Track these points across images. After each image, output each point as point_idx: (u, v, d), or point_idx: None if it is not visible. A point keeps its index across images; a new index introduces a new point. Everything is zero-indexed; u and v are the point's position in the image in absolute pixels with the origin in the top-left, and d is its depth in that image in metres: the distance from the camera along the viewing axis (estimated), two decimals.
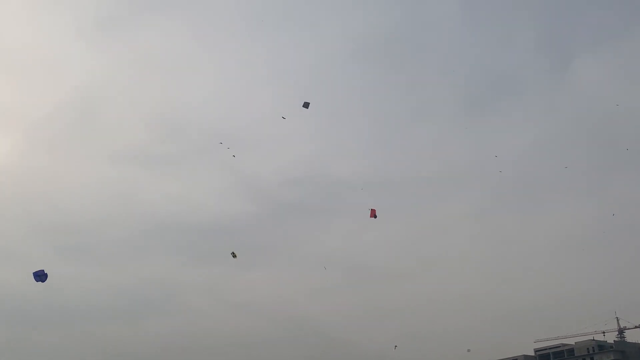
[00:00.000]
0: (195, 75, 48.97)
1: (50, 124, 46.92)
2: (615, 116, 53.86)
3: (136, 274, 43.61)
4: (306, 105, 21.91)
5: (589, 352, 39.54)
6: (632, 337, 41.29)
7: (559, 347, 41.62)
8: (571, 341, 41.62)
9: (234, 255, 27.15)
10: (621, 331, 41.46)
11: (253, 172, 49.78)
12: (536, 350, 42.30)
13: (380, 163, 52.07)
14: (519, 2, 55.21)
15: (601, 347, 39.71)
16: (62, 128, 47.05)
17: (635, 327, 40.80)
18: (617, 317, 41.69)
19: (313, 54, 51.48)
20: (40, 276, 21.03)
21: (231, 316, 50.02)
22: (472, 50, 54.07)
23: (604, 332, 41.43)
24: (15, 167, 45.48)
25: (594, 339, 40.80)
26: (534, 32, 55.74)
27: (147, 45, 47.42)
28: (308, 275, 48.75)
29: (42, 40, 45.81)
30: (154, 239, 46.55)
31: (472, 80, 54.07)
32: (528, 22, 54.17)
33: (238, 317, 49.81)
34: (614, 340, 41.10)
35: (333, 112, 52.57)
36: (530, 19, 53.92)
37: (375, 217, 23.11)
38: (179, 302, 45.84)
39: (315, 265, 49.09)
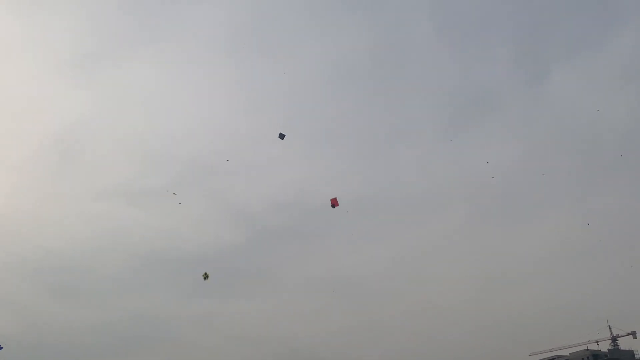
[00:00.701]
0: (176, 107, 49.12)
1: (34, 165, 46.73)
2: (595, 124, 54.82)
3: (125, 310, 43.21)
4: (282, 136, 22.17)
5: None
6: (625, 344, 41.64)
7: (554, 358, 41.83)
8: (565, 352, 41.94)
9: (206, 277, 26.86)
10: (614, 339, 41.66)
11: (239, 200, 49.83)
12: None
13: (365, 184, 52.37)
14: (492, 18, 56.28)
15: (596, 356, 39.91)
16: (46, 168, 46.84)
17: (628, 334, 41.14)
18: (609, 326, 41.96)
19: (293, 78, 51.96)
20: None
21: (224, 347, 49.64)
22: (450, 69, 54.90)
23: (597, 342, 41.68)
24: (1, 209, 45.10)
25: (587, 349, 41.03)
26: (509, 46, 56.74)
27: (127, 81, 47.53)
28: (298, 300, 48.66)
29: (23, 80, 45.89)
30: (142, 274, 46.28)
31: (453, 98, 54.84)
32: (503, 37, 55.20)
33: (230, 347, 49.45)
34: (608, 349, 41.31)
35: (316, 135, 52.97)
36: (504, 33, 54.93)
37: (335, 205, 23.03)
38: (170, 337, 45.47)
39: (305, 289, 49.09)
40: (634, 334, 41.64)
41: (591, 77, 56.80)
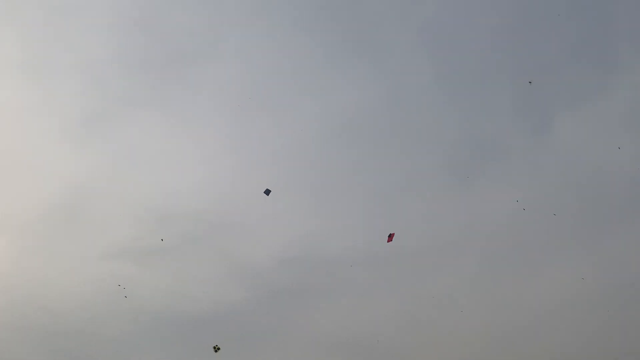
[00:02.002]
0: (182, 165, 49.24)
1: (40, 226, 46.61)
2: (600, 172, 54.46)
3: None
4: (267, 192, 22.18)
5: None
6: None
7: None
8: None
9: (217, 349, 26.02)
10: None
11: (245, 257, 49.38)
12: None
13: (373, 238, 51.80)
14: (492, 66, 56.82)
15: None
16: (52, 229, 46.78)
17: None
18: None
19: (296, 133, 52.25)
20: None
21: None
22: (452, 119, 54.90)
23: None
24: (8, 271, 44.91)
25: None
26: (511, 95, 57.06)
27: (132, 139, 47.84)
28: (307, 358, 47.77)
29: (27, 143, 46.37)
30: (147, 334, 45.42)
31: (456, 148, 54.73)
32: (504, 86, 55.58)
33: None
34: None
35: (322, 189, 52.90)
36: (506, 82, 55.30)
37: (390, 239, 22.42)
38: None
39: (314, 347, 48.17)
40: None
41: (595, 124, 56.85)
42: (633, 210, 52.51)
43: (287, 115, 50.40)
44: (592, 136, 52.64)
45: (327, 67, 56.14)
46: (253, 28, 52.81)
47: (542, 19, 56.49)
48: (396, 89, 52.72)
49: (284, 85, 51.80)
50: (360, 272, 43.60)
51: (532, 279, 45.67)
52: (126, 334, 44.02)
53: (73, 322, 42.33)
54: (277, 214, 52.28)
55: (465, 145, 53.58)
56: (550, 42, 56.57)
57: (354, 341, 46.68)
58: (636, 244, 50.46)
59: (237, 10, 52.50)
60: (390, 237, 21.39)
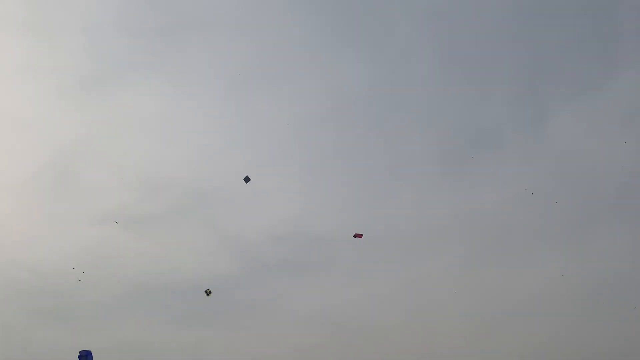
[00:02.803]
0: (174, 134, 49.16)
1: (31, 187, 46.41)
2: (594, 166, 54.70)
3: (114, 336, 42.34)
4: (247, 179, 22.32)
5: None
6: None
7: None
8: None
9: (209, 293, 26.44)
10: None
11: (235, 230, 49.37)
12: None
13: (361, 219, 51.77)
14: (492, 57, 56.82)
15: None
16: (42, 190, 46.59)
17: None
18: None
19: (292, 111, 52.14)
20: (86, 356, 21.00)
21: None
22: (448, 107, 54.97)
23: None
24: None
25: None
26: (509, 86, 57.02)
27: (128, 104, 47.66)
28: (294, 334, 47.69)
29: (23, 101, 46.13)
30: (132, 300, 45.40)
31: (450, 136, 54.74)
32: (503, 77, 55.57)
33: None
34: None
35: (314, 169, 52.89)
36: (504, 74, 55.32)
37: (359, 236, 22.65)
38: None
39: (301, 323, 48.31)
40: None
41: (592, 119, 57.04)
42: (624, 207, 52.71)
43: (284, 91, 50.34)
44: (587, 130, 52.80)
45: (327, 46, 55.84)
46: (256, 2, 52.48)
47: (544, 12, 56.28)
48: (394, 73, 52.70)
49: (282, 62, 51.66)
50: (349, 252, 43.72)
51: (519, 268, 46.00)
52: (110, 299, 44.00)
53: (58, 284, 42.27)
54: (268, 190, 52.22)
55: (459, 134, 53.64)
56: (550, 36, 56.38)
57: (340, 319, 46.88)
58: (624, 241, 50.80)
59: None
60: (358, 235, 21.66)
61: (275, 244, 53.22)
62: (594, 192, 51.86)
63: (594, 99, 54.26)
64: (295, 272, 50.81)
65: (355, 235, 21.65)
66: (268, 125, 50.76)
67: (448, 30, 57.45)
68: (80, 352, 21.07)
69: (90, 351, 20.65)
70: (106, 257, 44.96)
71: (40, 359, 40.95)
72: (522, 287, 46.85)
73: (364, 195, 53.63)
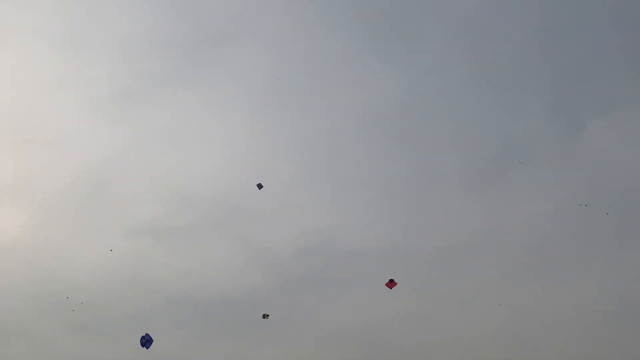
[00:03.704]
0: (207, 146, 49.51)
1: (63, 199, 47.18)
2: (631, 180, 53.34)
3: (142, 349, 42.85)
4: (260, 186, 22.36)
5: None
6: None
7: None
8: None
9: (266, 317, 26.65)
10: None
11: (264, 244, 49.42)
12: None
13: (392, 233, 51.36)
14: (526, 68, 55.93)
15: None
16: (75, 202, 47.33)
17: None
18: None
19: (322, 123, 52.09)
20: (147, 342, 21.75)
21: None
22: (480, 119, 54.32)
23: None
24: (28, 242, 45.41)
25: None
26: (543, 98, 56.05)
27: (159, 118, 48.25)
28: (324, 349, 47.46)
29: (57, 116, 47.01)
30: (163, 314, 45.77)
31: (482, 149, 54.00)
32: (537, 89, 54.54)
33: None
34: None
35: (343, 182, 52.68)
36: (538, 85, 54.32)
37: (391, 285, 22.52)
38: None
39: (331, 339, 48.02)
40: None
41: (628, 133, 55.66)
42: None
43: (313, 104, 50.32)
44: (623, 143, 51.49)
45: (358, 58, 55.71)
46: (286, 15, 52.59)
47: (578, 22, 55.22)
48: (425, 84, 52.25)
49: (312, 74, 51.72)
50: (377, 267, 43.33)
51: (552, 286, 44.99)
52: (142, 311, 44.43)
53: (92, 296, 42.87)
54: (297, 203, 52.29)
55: (492, 146, 52.87)
56: (586, 46, 55.26)
57: (371, 335, 46.55)
58: None
59: None
60: (392, 283, 21.28)
61: (304, 257, 53.05)
62: (631, 206, 50.54)
63: (630, 110, 52.87)
64: (325, 286, 50.53)
65: (390, 284, 21.47)
66: (297, 138, 50.75)
67: (480, 41, 56.49)
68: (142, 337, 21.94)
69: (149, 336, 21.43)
70: (139, 269, 45.51)
71: None
72: (558, 304, 45.82)
73: (394, 209, 53.19)
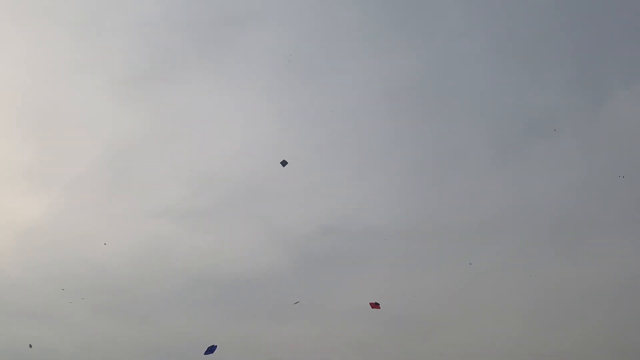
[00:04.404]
0: (227, 127, 49.51)
1: (86, 183, 47.73)
2: None
3: (168, 329, 43.35)
4: (284, 163, 22.28)
5: None
6: None
7: None
8: None
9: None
10: None
11: (285, 224, 49.50)
12: None
13: (412, 211, 51.00)
14: (548, 39, 54.59)
15: None
16: (97, 186, 47.87)
17: None
18: None
19: (341, 101, 51.64)
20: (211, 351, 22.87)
21: None
22: (502, 93, 53.24)
23: None
24: (53, 226, 46.14)
25: None
26: (565, 70, 54.74)
27: (178, 100, 48.30)
28: (342, 328, 47.68)
29: (77, 100, 47.29)
30: (186, 294, 46.32)
31: (505, 123, 53.10)
32: (558, 60, 53.27)
33: None
34: None
35: (363, 159, 52.33)
36: (560, 56, 53.02)
37: (376, 306, 22.64)
38: (214, 358, 45.35)
39: (351, 317, 48.17)
40: None
41: None
42: None
43: (333, 81, 49.80)
44: None
45: (377, 33, 54.86)
46: None
47: None
48: (445, 58, 51.29)
49: (331, 52, 51.10)
50: (398, 245, 43.13)
51: (578, 260, 44.37)
52: (166, 291, 45.02)
53: (115, 278, 43.57)
54: (317, 183, 52.13)
55: (515, 120, 51.91)
56: (608, 14, 53.76)
57: (392, 313, 46.49)
58: None
59: None
60: (375, 305, 21.30)
61: (325, 236, 52.98)
62: None
63: None
64: (346, 265, 50.52)
65: (373, 306, 21.47)
66: (317, 116, 50.39)
67: (500, 12, 55.17)
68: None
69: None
70: (162, 251, 46.01)
71: (100, 353, 42.38)
72: (580, 280, 45.26)
73: (416, 186, 52.74)
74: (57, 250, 43.38)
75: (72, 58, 46.67)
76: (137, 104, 48.32)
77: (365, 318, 48.68)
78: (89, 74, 46.56)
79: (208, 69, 49.41)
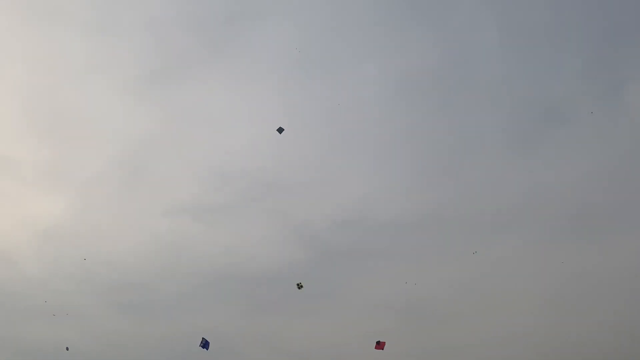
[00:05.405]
0: (241, 123, 49.53)
1: (103, 181, 47.95)
2: None
3: (189, 325, 43.51)
4: (280, 130, 22.07)
5: None
6: None
7: None
8: None
9: (300, 287, 26.94)
10: None
11: (303, 218, 49.48)
12: None
13: (429, 202, 50.78)
14: (563, 26, 54.08)
15: None
16: (114, 184, 48.09)
17: None
18: None
19: (356, 93, 51.44)
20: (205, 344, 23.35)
21: None
22: (516, 82, 52.81)
23: None
24: (71, 226, 46.45)
25: None
26: (580, 58, 54.20)
27: (192, 97, 48.34)
28: (363, 320, 47.68)
29: (90, 100, 47.46)
30: (207, 290, 46.49)
31: (521, 111, 52.68)
32: (573, 49, 52.74)
33: None
34: None
35: (381, 150, 52.16)
36: (575, 44, 52.52)
37: (381, 347, 22.62)
38: (234, 352, 45.42)
39: (370, 309, 48.18)
40: None
41: None
42: None
43: (346, 75, 49.62)
44: None
45: (389, 25, 54.62)
46: None
47: None
48: (460, 47, 50.90)
49: (344, 45, 50.89)
50: (416, 236, 43.04)
51: (597, 249, 44.07)
52: (185, 288, 45.23)
53: (135, 276, 43.89)
54: (333, 176, 52.04)
55: (531, 108, 51.49)
56: (627, 1, 53.22)
57: (410, 304, 46.50)
58: None
59: None
60: (380, 345, 21.25)
61: (343, 230, 52.91)
62: None
63: None
64: (364, 258, 50.44)
65: (377, 346, 21.44)
66: (332, 109, 50.18)
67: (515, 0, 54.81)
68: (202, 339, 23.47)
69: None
70: (180, 248, 46.18)
71: (120, 350, 42.67)
72: (599, 269, 44.93)
73: (432, 177, 52.46)
74: (77, 248, 43.68)
75: (86, 58, 46.84)
76: (150, 102, 48.46)
77: (384, 310, 48.62)
78: (102, 74, 46.75)
79: (220, 66, 49.44)
